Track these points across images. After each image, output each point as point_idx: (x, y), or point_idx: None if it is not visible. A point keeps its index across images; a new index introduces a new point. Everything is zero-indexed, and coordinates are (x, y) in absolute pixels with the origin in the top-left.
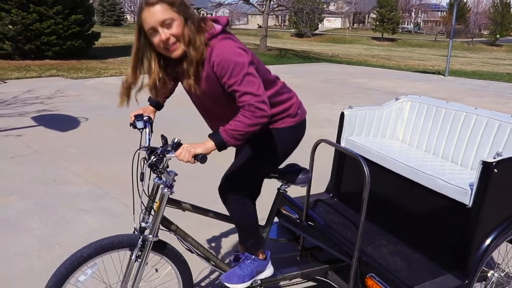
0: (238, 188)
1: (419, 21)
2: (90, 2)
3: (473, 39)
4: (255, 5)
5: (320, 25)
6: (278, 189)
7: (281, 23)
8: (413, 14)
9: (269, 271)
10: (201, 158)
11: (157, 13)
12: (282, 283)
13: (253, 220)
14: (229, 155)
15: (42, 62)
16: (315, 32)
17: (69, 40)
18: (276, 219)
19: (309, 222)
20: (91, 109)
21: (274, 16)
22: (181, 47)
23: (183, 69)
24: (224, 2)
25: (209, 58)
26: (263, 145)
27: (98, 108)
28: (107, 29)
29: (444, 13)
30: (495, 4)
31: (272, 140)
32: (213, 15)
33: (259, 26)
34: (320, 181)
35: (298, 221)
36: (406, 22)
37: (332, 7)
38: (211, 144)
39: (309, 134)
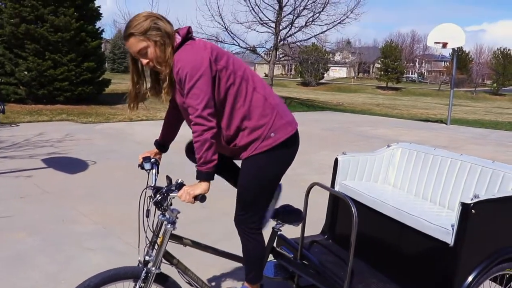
0: (248, 218)
1: (423, 70)
2: (102, 50)
3: (476, 89)
4: (262, 55)
5: (325, 74)
6: (273, 228)
7: (288, 72)
8: (417, 64)
9: None
10: (200, 198)
11: (132, 46)
12: None
13: (260, 254)
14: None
15: (53, 106)
16: (320, 81)
17: (80, 86)
18: (273, 259)
19: (304, 261)
20: (99, 152)
21: (281, 65)
22: (159, 66)
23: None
24: (231, 51)
25: (174, 70)
26: (245, 174)
27: (106, 152)
28: (117, 75)
29: (448, 63)
30: (496, 56)
31: (250, 167)
32: None
33: (266, 75)
34: (317, 224)
35: (293, 259)
36: (410, 72)
37: (337, 57)
38: (203, 182)
39: (308, 179)
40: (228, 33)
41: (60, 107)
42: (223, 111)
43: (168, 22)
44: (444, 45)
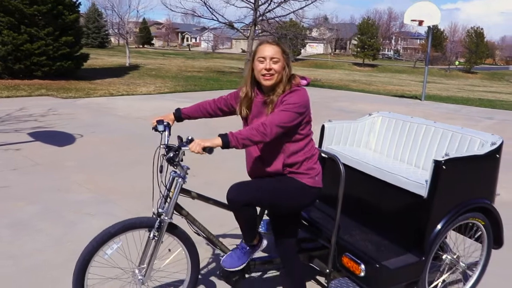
0: (246, 200)
1: (399, 48)
2: (81, 24)
3: (450, 66)
4: (240, 30)
5: (302, 51)
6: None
7: None
8: (393, 41)
9: (263, 245)
10: (208, 150)
11: (272, 50)
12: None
13: (253, 221)
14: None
15: (31, 81)
16: (298, 57)
17: (58, 61)
18: (267, 217)
19: None
20: (84, 126)
21: (259, 41)
22: (274, 80)
23: (268, 100)
24: (209, 27)
25: (284, 96)
26: (277, 186)
27: (91, 126)
28: (91, 50)
29: (423, 41)
30: (470, 34)
31: (286, 184)
32: (197, 39)
33: (243, 51)
34: None
35: None
36: (386, 49)
37: (314, 33)
38: (218, 141)
39: None
40: (207, 7)
41: (38, 82)
42: (289, 145)
43: None
44: (420, 23)
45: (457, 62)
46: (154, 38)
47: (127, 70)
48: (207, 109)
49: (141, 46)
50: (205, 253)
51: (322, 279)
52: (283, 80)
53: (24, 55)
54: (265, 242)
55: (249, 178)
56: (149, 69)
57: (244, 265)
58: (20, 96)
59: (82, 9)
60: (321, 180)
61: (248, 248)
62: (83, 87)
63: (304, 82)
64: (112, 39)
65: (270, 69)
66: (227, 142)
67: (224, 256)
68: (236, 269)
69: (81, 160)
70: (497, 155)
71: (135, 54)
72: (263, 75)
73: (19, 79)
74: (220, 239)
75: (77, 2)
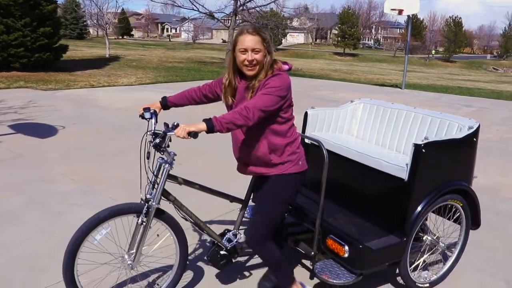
0: (262, 233)
1: (379, 37)
2: (58, 15)
3: (429, 55)
4: (221, 20)
5: (283, 40)
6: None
7: None
8: (373, 30)
9: None
10: (193, 134)
11: (253, 40)
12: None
13: (278, 255)
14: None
15: (8, 73)
16: (278, 47)
17: (37, 52)
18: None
19: None
20: (66, 118)
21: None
22: (257, 70)
23: (250, 84)
24: (189, 17)
25: (267, 80)
26: (271, 191)
27: (72, 118)
28: (69, 42)
29: (403, 30)
30: (448, 23)
31: (278, 185)
32: (178, 29)
33: (224, 41)
34: None
35: None
36: (366, 38)
37: (295, 23)
38: (203, 125)
39: None
40: None
41: (16, 74)
42: (273, 128)
43: None
44: (400, 12)
45: (434, 51)
46: (134, 29)
47: (107, 62)
48: (192, 96)
49: (120, 37)
50: (192, 239)
51: (307, 263)
52: (265, 67)
53: (0, 46)
54: None
55: (236, 163)
56: (130, 60)
57: None
58: None
59: (59, 0)
60: (305, 162)
61: None
62: (63, 78)
63: (285, 67)
64: (91, 30)
65: (252, 60)
66: (211, 126)
67: None
68: None
69: (64, 152)
70: (474, 139)
71: (115, 45)
72: (246, 65)
73: None
74: (208, 225)
75: None
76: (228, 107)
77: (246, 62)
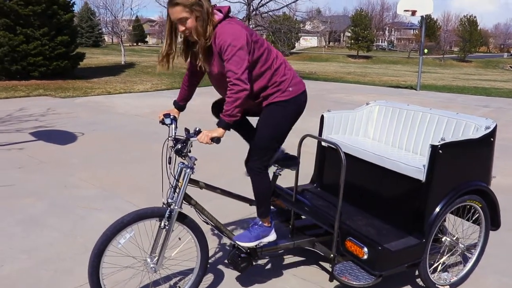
0: (259, 159)
1: (392, 39)
2: (75, 24)
3: (444, 56)
4: None
5: (296, 44)
6: (274, 172)
7: None
8: (386, 32)
9: (272, 236)
10: (216, 140)
11: (175, 13)
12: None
13: (268, 190)
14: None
15: (28, 82)
16: (292, 50)
17: (55, 61)
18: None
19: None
20: (84, 125)
21: None
22: (195, 35)
23: (201, 46)
24: None
25: (215, 41)
26: (263, 122)
27: (91, 124)
28: (86, 50)
29: (417, 31)
30: (463, 23)
31: (269, 115)
32: None
33: None
34: (306, 177)
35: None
36: (380, 40)
37: (308, 27)
38: (221, 129)
39: (290, 141)
40: None
41: (36, 83)
42: (253, 73)
43: (209, 1)
44: (413, 13)
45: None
46: (148, 36)
47: (123, 68)
48: (190, 82)
49: (135, 44)
50: (212, 242)
51: (326, 265)
52: (200, 30)
53: (20, 56)
54: (274, 235)
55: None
56: (145, 66)
57: (257, 243)
58: (19, 96)
59: (75, 9)
60: (298, 85)
61: (260, 223)
62: (80, 86)
63: (218, 17)
64: (106, 37)
65: (184, 30)
66: (225, 123)
67: (238, 234)
68: (249, 244)
69: (85, 157)
70: (492, 139)
71: (130, 52)
72: (186, 35)
73: (16, 80)
74: (228, 228)
75: (71, 2)
76: (209, 76)
77: (182, 34)
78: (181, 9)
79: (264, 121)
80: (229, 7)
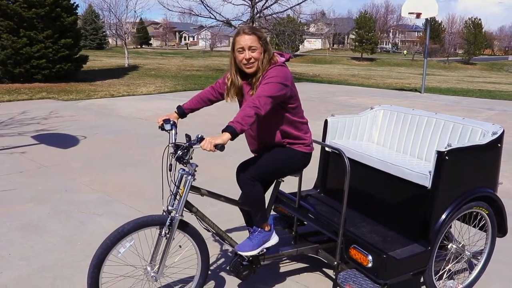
0: (253, 176)
1: (397, 41)
2: (78, 26)
3: (449, 58)
4: (238, 28)
5: (301, 46)
6: (276, 179)
7: None
8: (391, 34)
9: (274, 240)
10: (220, 147)
11: (249, 39)
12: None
13: (261, 198)
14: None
15: (31, 85)
16: (296, 53)
17: (58, 63)
18: (273, 212)
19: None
20: (87, 128)
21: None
22: (255, 67)
23: (251, 82)
24: (206, 25)
25: (266, 74)
26: (279, 156)
27: (94, 127)
28: (90, 52)
29: (421, 33)
30: (468, 25)
31: (286, 154)
32: (195, 38)
33: None
34: (309, 181)
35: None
36: (384, 42)
37: (312, 29)
38: (226, 135)
39: None
40: (204, 6)
41: (39, 85)
42: (286, 119)
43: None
44: (418, 15)
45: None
46: (152, 38)
47: (127, 71)
48: (208, 97)
49: (139, 46)
50: (213, 249)
51: (330, 272)
52: (263, 64)
53: (23, 58)
54: (276, 238)
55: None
56: (148, 69)
57: (259, 250)
58: (22, 99)
59: (79, 11)
60: (312, 146)
61: (260, 230)
62: (83, 89)
63: (282, 59)
64: (110, 40)
65: (249, 59)
66: (233, 131)
67: (239, 243)
68: (252, 253)
69: (86, 161)
70: (499, 145)
71: (134, 55)
72: (244, 64)
73: (20, 83)
74: (229, 234)
75: (75, 4)
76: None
77: (245, 61)
78: (256, 38)
79: (279, 152)
80: (291, 55)
